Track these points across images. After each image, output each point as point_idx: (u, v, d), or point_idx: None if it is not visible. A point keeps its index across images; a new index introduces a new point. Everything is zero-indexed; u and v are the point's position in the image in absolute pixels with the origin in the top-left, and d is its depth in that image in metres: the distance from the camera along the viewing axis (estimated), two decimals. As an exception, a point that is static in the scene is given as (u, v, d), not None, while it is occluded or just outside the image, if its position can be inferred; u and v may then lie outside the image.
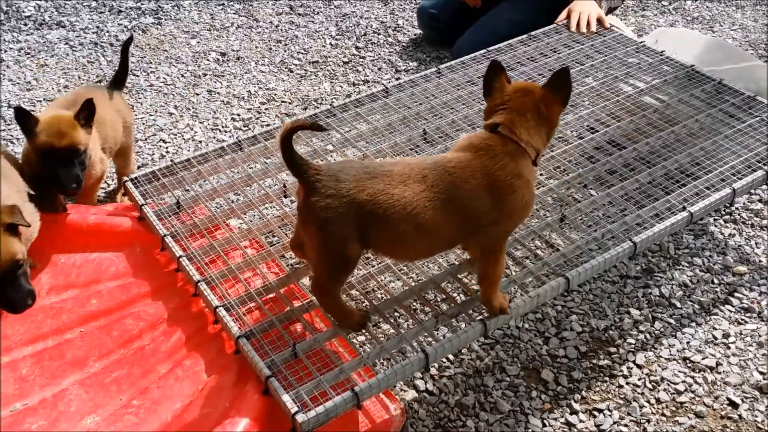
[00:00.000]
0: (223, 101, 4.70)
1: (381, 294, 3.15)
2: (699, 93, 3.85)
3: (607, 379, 3.00)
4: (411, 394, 2.96)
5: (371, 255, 3.08)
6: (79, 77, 4.93)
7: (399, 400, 2.86)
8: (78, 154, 3.14)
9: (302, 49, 5.22)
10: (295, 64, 5.05)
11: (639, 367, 3.05)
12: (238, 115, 4.57)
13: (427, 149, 3.61)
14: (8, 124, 4.46)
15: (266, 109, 4.62)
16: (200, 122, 4.50)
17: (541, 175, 3.38)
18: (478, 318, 2.84)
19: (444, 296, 3.14)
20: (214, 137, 4.37)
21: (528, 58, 4.20)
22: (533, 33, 4.43)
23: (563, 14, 4.49)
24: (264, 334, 2.71)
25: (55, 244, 3.16)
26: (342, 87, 4.83)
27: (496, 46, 4.27)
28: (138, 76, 4.94)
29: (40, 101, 4.68)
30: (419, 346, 2.75)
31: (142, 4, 5.88)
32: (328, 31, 5.41)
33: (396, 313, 3.17)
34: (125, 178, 3.35)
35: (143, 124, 4.47)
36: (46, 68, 5.04)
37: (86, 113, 3.17)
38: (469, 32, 4.90)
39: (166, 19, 5.62)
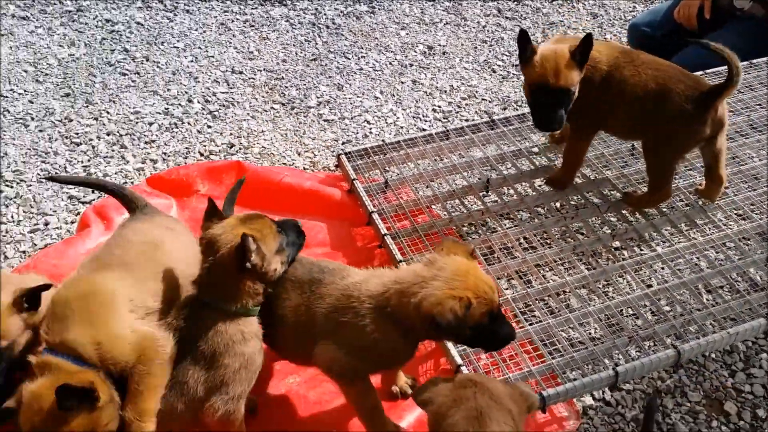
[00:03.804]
0: (425, 92, 4.65)
1: (576, 304, 2.97)
2: None
3: (799, 428, 2.68)
4: (588, 400, 2.78)
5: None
6: (296, 53, 5.06)
7: (575, 402, 2.71)
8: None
9: (507, 51, 5.09)
10: (499, 65, 4.92)
11: (838, 423, 2.70)
12: (439, 107, 4.51)
13: (632, 163, 3.39)
14: (230, 87, 4.64)
15: (467, 104, 4.53)
16: (403, 109, 4.48)
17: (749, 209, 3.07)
18: (671, 344, 2.64)
19: (636, 315, 2.94)
20: (415, 125, 4.33)
21: (746, 86, 3.85)
22: (755, 61, 4.05)
23: None
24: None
25: (272, 203, 3.21)
26: (542, 93, 4.64)
27: (712, 70, 3.94)
28: (350, 59, 5.00)
29: (261, 70, 4.83)
30: (610, 363, 2.58)
31: (357, -7, 5.95)
32: (534, 37, 5.23)
33: (589, 325, 2.97)
34: (340, 151, 3.36)
35: (350, 104, 4.51)
36: (267, 41, 5.21)
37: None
38: (681, 54, 4.55)
39: (379, 9, 5.65)
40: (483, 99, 4.59)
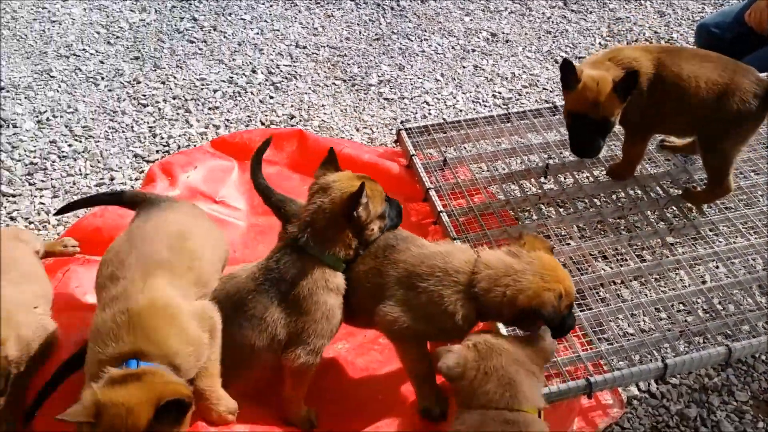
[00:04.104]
0: (486, 78, 4.62)
1: (628, 295, 2.93)
2: None
3: None
4: (633, 391, 2.76)
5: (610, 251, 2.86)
6: (360, 32, 5.06)
7: (619, 392, 2.68)
8: None
9: (571, 44, 5.01)
10: (562, 56, 4.85)
11: None
12: (499, 93, 4.47)
13: (695, 158, 3.31)
14: (294, 61, 4.67)
15: (527, 92, 4.48)
16: (463, 93, 4.46)
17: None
18: (722, 342, 2.59)
19: (689, 311, 2.88)
20: (474, 109, 4.31)
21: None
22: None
23: None
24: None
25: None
26: (604, 86, 4.56)
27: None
28: (412, 41, 4.99)
29: (324, 47, 4.85)
30: (660, 356, 2.54)
31: (423, -23, 5.92)
32: (599, 31, 5.15)
33: (639, 317, 2.93)
34: (400, 126, 3.36)
35: (411, 84, 4.51)
36: (332, 19, 5.22)
37: None
38: (748, 58, 4.42)
39: (444, -6, 5.63)
40: (544, 88, 4.54)
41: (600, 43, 5.06)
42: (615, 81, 2.69)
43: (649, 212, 3.13)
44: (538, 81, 4.60)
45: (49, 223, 3.33)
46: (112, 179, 3.59)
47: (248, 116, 4.13)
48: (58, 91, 4.24)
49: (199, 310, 2.14)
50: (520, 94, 4.47)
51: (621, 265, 2.86)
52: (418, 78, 4.59)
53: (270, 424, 2.27)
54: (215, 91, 4.33)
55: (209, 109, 4.18)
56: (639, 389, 2.76)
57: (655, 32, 5.21)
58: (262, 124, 4.08)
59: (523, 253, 2.21)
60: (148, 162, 3.70)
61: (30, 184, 3.54)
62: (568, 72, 2.73)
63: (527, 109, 3.50)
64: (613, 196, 3.29)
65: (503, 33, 5.14)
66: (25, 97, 4.16)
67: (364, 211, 2.22)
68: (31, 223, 3.32)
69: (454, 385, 2.03)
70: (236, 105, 4.23)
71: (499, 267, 2.17)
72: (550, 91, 4.50)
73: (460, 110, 4.29)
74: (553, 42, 5.06)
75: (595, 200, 3.23)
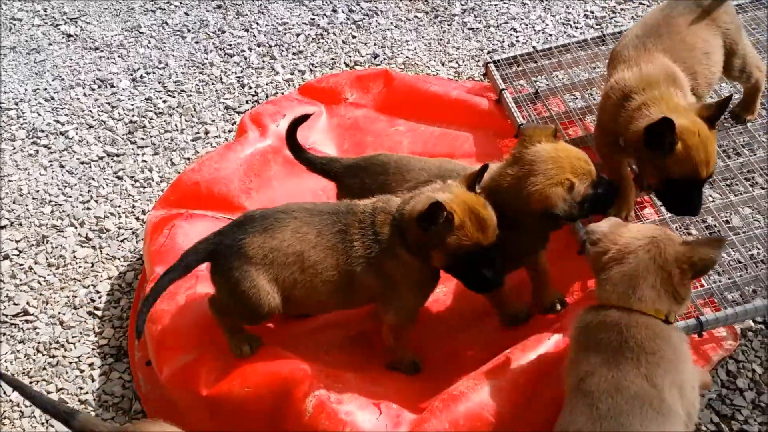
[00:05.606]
0: (577, -4, 4.34)
1: (739, 224, 2.75)
2: None
3: None
4: (747, 322, 2.59)
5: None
6: None
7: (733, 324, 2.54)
8: None
9: (667, -50, 4.62)
10: (658, -34, 4.49)
11: None
12: (592, 12, 4.19)
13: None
14: None
15: (622, 9, 4.18)
16: (552, 15, 4.20)
17: None
18: None
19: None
20: (565, 32, 4.06)
21: None
22: None
23: None
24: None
25: (418, 112, 3.15)
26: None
27: None
28: (497, -37, 4.72)
29: None
30: (776, 290, 2.37)
31: None
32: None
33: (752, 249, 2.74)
34: (487, 59, 3.21)
35: (496, 11, 4.28)
36: None
37: None
38: None
39: None
40: (641, 3, 4.22)
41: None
42: (705, 117, 2.15)
43: (760, 134, 2.88)
44: (632, -5, 4.28)
45: (153, 180, 3.41)
46: (206, 133, 3.63)
47: (332, 59, 4.05)
48: (148, 47, 4.29)
49: None
50: (614, 12, 4.18)
51: (732, 194, 2.67)
52: (504, 3, 4.35)
53: (376, 370, 2.28)
54: (298, 35, 4.26)
55: (293, 54, 4.13)
56: (755, 321, 2.60)
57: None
58: (347, 65, 4.00)
59: (524, 154, 2.05)
60: (238, 113, 3.71)
61: (131, 143, 3.63)
62: (665, 132, 2.05)
63: (624, 28, 3.25)
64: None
65: (592, -55, 4.78)
66: (119, 56, 4.23)
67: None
68: (136, 181, 3.41)
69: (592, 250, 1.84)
70: (319, 48, 4.15)
71: (500, 183, 2.08)
72: (648, 6, 4.17)
73: (550, 35, 4.05)
74: (648, -50, 4.66)
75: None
